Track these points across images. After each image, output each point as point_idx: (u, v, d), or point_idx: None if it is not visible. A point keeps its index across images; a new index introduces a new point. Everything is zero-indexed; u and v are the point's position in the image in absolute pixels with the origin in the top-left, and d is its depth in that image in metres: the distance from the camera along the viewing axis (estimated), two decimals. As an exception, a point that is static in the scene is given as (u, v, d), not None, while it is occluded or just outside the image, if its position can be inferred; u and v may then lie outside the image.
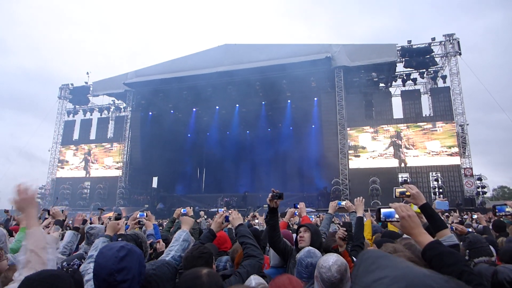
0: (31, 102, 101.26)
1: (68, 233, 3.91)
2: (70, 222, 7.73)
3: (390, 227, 4.44)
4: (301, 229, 3.25)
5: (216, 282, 1.83)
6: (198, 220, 8.48)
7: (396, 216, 1.79)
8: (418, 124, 25.30)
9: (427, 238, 1.69)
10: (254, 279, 2.13)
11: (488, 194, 27.29)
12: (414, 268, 0.86)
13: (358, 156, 25.81)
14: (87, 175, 33.05)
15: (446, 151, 24.30)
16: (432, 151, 24.55)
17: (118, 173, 30.80)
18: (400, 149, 25.25)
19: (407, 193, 2.20)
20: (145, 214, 5.03)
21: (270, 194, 3.06)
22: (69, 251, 3.70)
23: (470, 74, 24.37)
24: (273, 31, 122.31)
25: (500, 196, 49.76)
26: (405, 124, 25.58)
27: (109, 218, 9.03)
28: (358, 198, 4.29)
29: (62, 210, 5.10)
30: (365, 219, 5.62)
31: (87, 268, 2.46)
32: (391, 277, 0.84)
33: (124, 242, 1.84)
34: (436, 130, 24.72)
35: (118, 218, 4.82)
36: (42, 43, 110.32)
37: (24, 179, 2.04)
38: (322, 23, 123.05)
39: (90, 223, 4.92)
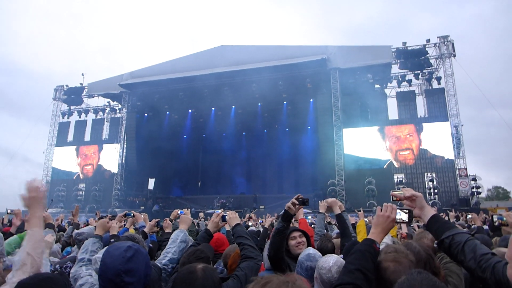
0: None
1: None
2: (64, 224, 7.67)
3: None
4: (296, 234, 3.10)
5: (211, 277, 1.81)
6: (196, 221, 8.45)
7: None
8: (413, 124, 25.43)
9: None
10: None
11: (483, 195, 27.48)
12: None
13: (354, 156, 25.84)
14: (82, 177, 32.84)
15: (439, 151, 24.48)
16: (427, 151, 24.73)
17: (114, 174, 30.65)
18: (395, 150, 25.35)
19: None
20: (132, 214, 5.05)
21: (293, 199, 2.72)
22: None
23: (463, 66, 24.67)
24: (267, 27, 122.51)
25: (494, 197, 50.12)
26: (400, 125, 25.69)
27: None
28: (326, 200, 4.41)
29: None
30: (358, 220, 5.63)
31: (79, 272, 2.39)
32: None
33: (131, 242, 1.83)
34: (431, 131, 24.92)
35: (112, 219, 4.79)
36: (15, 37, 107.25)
37: (30, 178, 2.01)
38: (315, 17, 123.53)
39: (87, 225, 4.90)
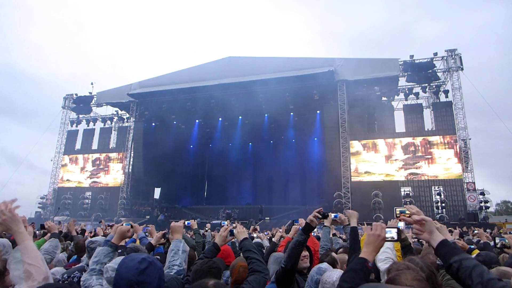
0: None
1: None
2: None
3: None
4: None
5: None
6: (203, 232, 8.44)
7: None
8: (420, 137, 25.28)
9: None
10: None
11: (491, 209, 27.07)
12: None
13: (361, 171, 25.73)
14: (89, 185, 33.07)
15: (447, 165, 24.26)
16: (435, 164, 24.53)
17: (120, 183, 30.84)
18: (402, 163, 25.18)
19: (407, 212, 2.27)
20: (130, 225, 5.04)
21: (315, 212, 2.86)
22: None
23: (470, 77, 24.61)
24: (273, 35, 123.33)
25: (503, 211, 49.29)
26: (407, 138, 25.57)
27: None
28: (347, 211, 4.27)
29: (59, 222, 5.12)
30: (362, 232, 5.60)
31: (90, 281, 2.42)
32: None
33: (146, 254, 1.84)
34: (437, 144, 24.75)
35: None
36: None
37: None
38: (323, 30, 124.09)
39: (95, 235, 4.95)
